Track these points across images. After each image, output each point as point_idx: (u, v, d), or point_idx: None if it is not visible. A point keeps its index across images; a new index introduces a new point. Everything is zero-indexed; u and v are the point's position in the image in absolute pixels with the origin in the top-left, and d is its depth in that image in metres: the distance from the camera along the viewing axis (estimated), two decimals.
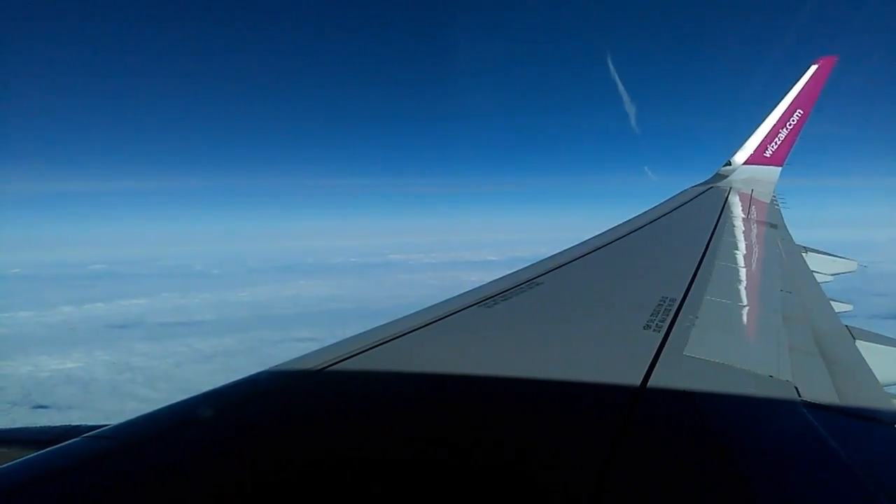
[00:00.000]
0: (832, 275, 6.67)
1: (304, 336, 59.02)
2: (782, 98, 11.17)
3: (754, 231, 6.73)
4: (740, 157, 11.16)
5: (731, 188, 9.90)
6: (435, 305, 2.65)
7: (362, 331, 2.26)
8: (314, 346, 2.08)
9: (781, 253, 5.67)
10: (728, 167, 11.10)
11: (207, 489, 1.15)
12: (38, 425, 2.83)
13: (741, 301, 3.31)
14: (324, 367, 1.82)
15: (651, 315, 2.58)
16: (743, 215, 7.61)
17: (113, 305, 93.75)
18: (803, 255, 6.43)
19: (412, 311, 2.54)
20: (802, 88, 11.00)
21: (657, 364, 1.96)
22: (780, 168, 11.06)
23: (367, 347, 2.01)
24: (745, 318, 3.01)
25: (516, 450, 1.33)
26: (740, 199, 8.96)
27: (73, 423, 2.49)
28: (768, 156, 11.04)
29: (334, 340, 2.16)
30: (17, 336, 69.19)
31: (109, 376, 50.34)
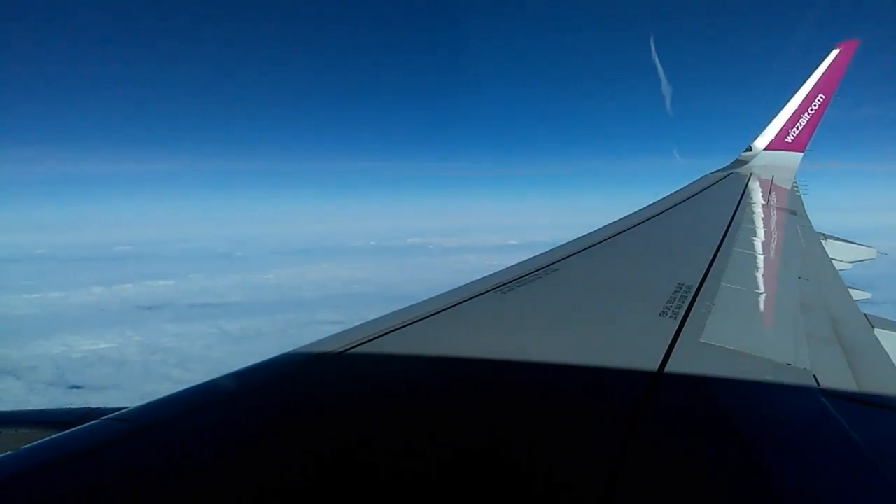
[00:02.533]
0: (851, 262, 6.65)
1: (330, 319, 58.78)
2: (804, 82, 10.90)
3: (773, 218, 6.63)
4: (761, 142, 10.92)
5: (751, 174, 9.77)
6: (451, 291, 2.62)
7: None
8: (342, 329, 2.09)
9: (800, 240, 5.61)
10: (748, 153, 10.90)
11: (226, 472, 1.17)
12: (63, 407, 2.86)
13: (758, 288, 3.27)
14: (343, 351, 1.84)
15: (667, 302, 2.54)
16: (763, 202, 7.49)
17: (141, 286, 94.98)
18: (822, 242, 6.33)
19: (432, 296, 2.54)
20: (824, 73, 10.72)
21: (673, 351, 1.93)
22: (801, 154, 10.83)
23: (385, 332, 2.01)
24: (762, 306, 2.94)
25: (534, 434, 1.34)
26: (760, 186, 8.82)
27: (94, 406, 2.55)
28: (789, 141, 10.80)
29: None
30: (49, 316, 69.98)
31: (142, 357, 50.88)
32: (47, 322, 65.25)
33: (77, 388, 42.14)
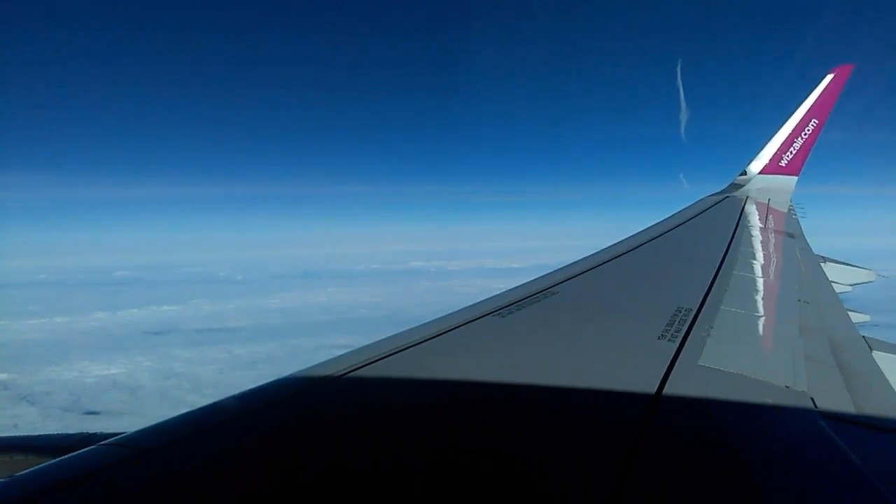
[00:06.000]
0: (850, 285, 6.69)
1: (341, 343, 58.16)
2: (797, 107, 11.07)
3: (771, 241, 6.69)
4: (756, 166, 11.06)
5: (747, 197, 9.85)
6: (449, 315, 2.62)
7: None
8: None
9: (799, 263, 5.63)
10: (743, 177, 11.02)
11: (222, 498, 1.15)
12: (57, 432, 2.85)
13: (757, 311, 3.30)
14: (341, 375, 1.83)
15: (666, 325, 2.56)
16: (760, 225, 7.54)
17: (146, 312, 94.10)
18: (821, 265, 6.37)
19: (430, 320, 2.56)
20: (818, 98, 10.89)
21: (671, 374, 1.93)
22: (795, 178, 10.99)
23: (384, 355, 2.01)
24: (761, 329, 2.98)
25: (532, 457, 1.34)
26: (757, 209, 8.89)
27: (90, 431, 2.56)
28: (784, 165, 10.95)
29: None
30: (57, 341, 69.19)
31: (155, 382, 50.45)
32: (56, 347, 64.59)
33: (94, 413, 41.70)
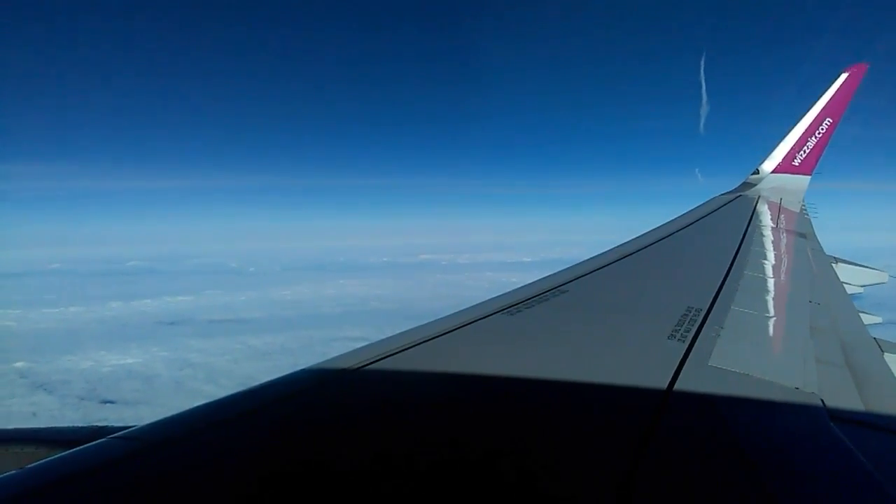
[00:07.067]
0: (863, 286, 6.67)
1: (352, 335, 58.16)
2: (811, 106, 10.96)
3: (783, 240, 6.66)
4: (768, 165, 10.99)
5: (759, 197, 9.78)
6: (459, 312, 2.62)
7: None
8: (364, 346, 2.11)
9: (811, 263, 5.59)
10: (756, 176, 10.97)
11: (233, 492, 1.15)
12: (70, 425, 2.83)
13: (768, 312, 3.27)
14: (356, 368, 1.85)
15: (676, 325, 2.54)
16: (772, 224, 7.52)
17: (160, 302, 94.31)
18: (833, 265, 6.31)
19: (448, 314, 2.55)
20: (832, 97, 10.77)
21: (681, 374, 1.93)
22: (808, 177, 10.90)
23: (398, 350, 2.03)
24: (771, 329, 2.95)
25: (540, 454, 1.35)
26: (769, 208, 8.83)
27: (106, 422, 3.01)
28: (797, 164, 10.88)
29: None
30: (72, 331, 69.56)
31: (170, 372, 50.48)
32: (71, 336, 64.89)
33: (110, 402, 41.77)
